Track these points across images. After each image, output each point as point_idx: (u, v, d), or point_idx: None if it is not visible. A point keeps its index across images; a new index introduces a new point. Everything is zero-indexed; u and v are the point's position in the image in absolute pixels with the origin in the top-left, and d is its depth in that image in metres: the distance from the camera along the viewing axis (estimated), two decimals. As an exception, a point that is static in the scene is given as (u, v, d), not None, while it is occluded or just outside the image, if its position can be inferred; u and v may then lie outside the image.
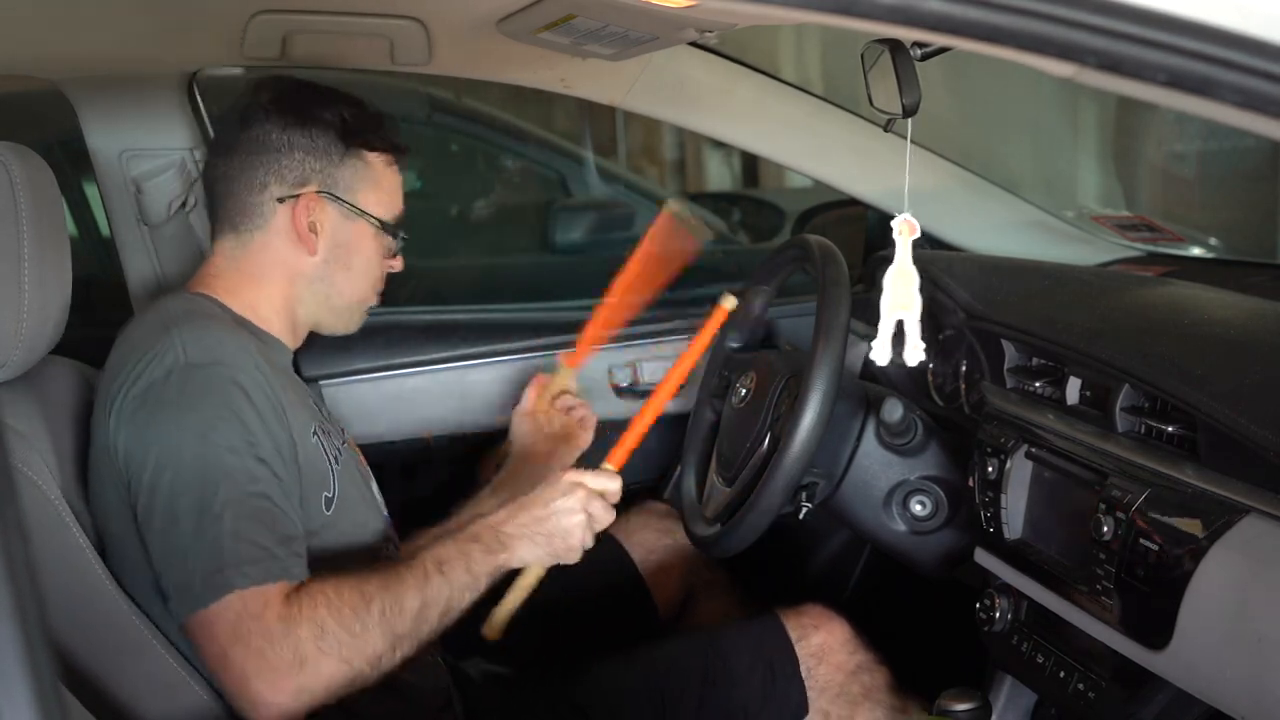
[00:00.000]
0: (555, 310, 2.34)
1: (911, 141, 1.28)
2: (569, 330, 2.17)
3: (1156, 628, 1.24)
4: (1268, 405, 1.23)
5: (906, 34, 1.19)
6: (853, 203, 2.34)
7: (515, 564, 1.48)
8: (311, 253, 1.55)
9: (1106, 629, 1.34)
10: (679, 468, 2.02)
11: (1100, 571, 1.33)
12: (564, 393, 1.96)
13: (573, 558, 1.51)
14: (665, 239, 1.78)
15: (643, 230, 1.89)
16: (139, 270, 1.96)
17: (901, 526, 1.77)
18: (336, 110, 1.56)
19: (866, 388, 1.85)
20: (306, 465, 1.44)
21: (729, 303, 1.77)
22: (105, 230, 2.11)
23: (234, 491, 1.33)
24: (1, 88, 2.63)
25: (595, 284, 1.97)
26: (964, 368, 1.84)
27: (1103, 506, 1.34)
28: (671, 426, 2.18)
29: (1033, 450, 1.54)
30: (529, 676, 1.76)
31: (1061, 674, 1.49)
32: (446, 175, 3.92)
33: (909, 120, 1.30)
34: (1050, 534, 1.49)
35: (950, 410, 1.91)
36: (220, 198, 1.57)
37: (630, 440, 1.62)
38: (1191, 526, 1.22)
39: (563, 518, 1.48)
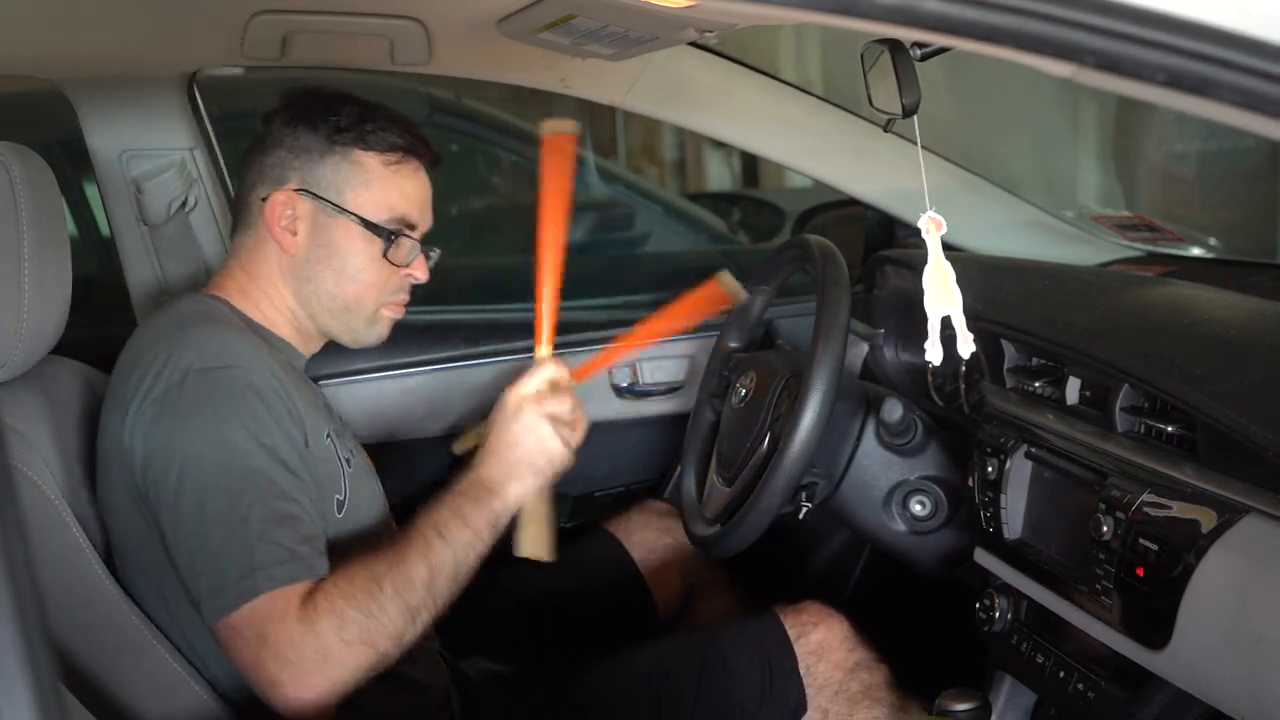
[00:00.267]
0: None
1: (912, 142, 1.28)
2: (569, 330, 2.17)
3: (1156, 628, 1.24)
4: (1268, 405, 1.23)
5: (906, 34, 1.19)
6: (853, 203, 2.34)
7: (513, 504, 1.47)
8: (289, 250, 1.55)
9: (1106, 629, 1.34)
10: (679, 468, 2.02)
11: (1100, 571, 1.33)
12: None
13: (566, 463, 1.50)
14: (705, 304, 1.73)
15: (644, 230, 1.89)
16: (139, 270, 1.96)
17: (901, 526, 1.77)
18: (334, 112, 1.55)
19: (866, 388, 1.85)
20: (319, 468, 1.45)
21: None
22: (105, 230, 2.11)
23: (258, 494, 1.34)
24: (1, 88, 2.63)
25: (595, 284, 1.97)
26: (964, 368, 1.84)
27: (1103, 506, 1.34)
28: (671, 426, 2.19)
29: (1032, 450, 1.54)
30: (528, 675, 1.76)
31: (1061, 674, 1.49)
32: (446, 175, 3.91)
33: (916, 121, 1.30)
34: (1050, 534, 1.49)
35: (950, 410, 1.91)
36: (235, 200, 1.61)
37: (549, 318, 1.57)
38: (1191, 527, 1.22)
39: (529, 441, 1.48)
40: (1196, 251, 2.51)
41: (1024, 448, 1.55)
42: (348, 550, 1.45)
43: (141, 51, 1.81)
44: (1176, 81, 0.86)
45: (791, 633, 1.72)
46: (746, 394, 1.81)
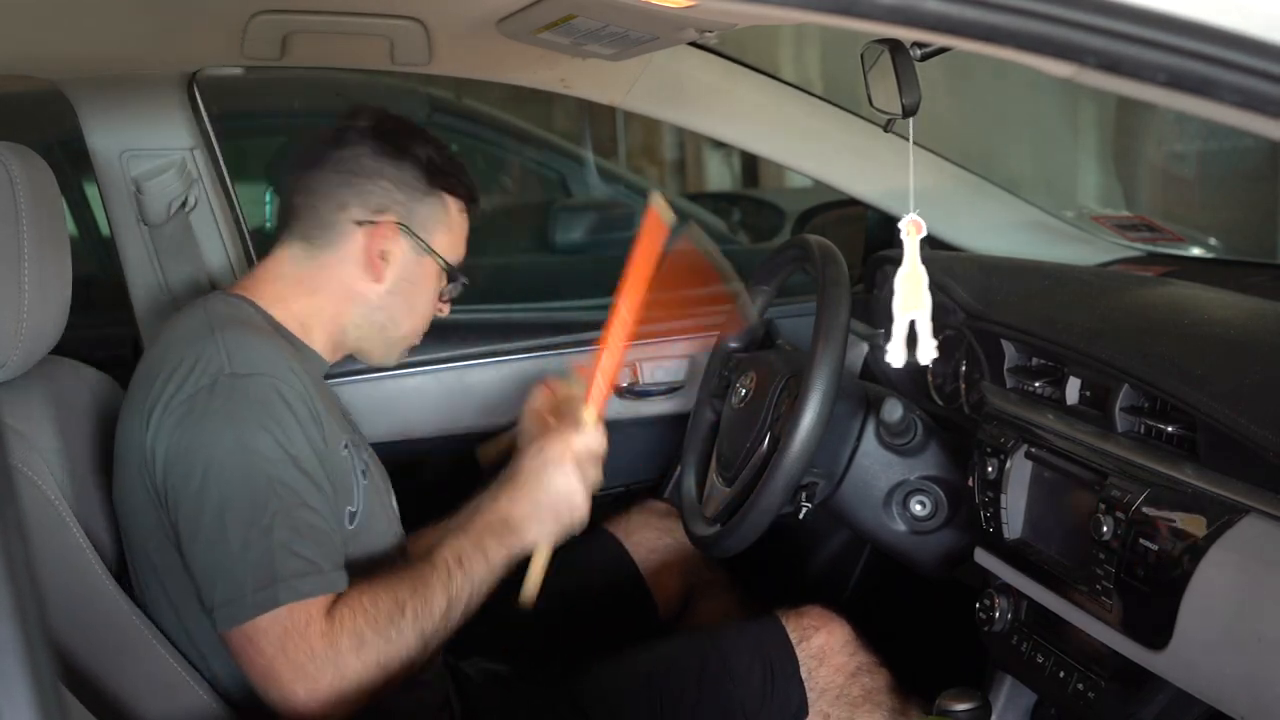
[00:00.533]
0: (555, 310, 2.34)
1: (912, 142, 1.28)
2: (569, 330, 2.17)
3: (1156, 628, 1.24)
4: (1268, 405, 1.23)
5: (906, 34, 1.19)
6: (853, 203, 2.34)
7: (529, 546, 1.50)
8: (378, 280, 1.57)
9: (1106, 629, 1.34)
10: (679, 468, 2.02)
11: (1100, 571, 1.33)
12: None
13: (580, 522, 1.53)
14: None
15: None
16: (139, 270, 1.96)
17: (901, 526, 1.77)
18: (426, 149, 1.59)
19: (866, 388, 1.85)
20: (335, 478, 1.45)
21: (658, 203, 1.64)
22: (105, 230, 2.11)
23: (282, 504, 1.34)
24: (1, 88, 2.63)
25: (595, 284, 1.97)
26: (964, 368, 1.84)
27: (1103, 506, 1.34)
28: (671, 426, 2.19)
29: (1033, 450, 1.54)
30: (528, 675, 1.76)
31: (1061, 674, 1.49)
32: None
33: (910, 121, 1.30)
34: (1050, 534, 1.49)
35: (950, 410, 1.91)
36: (298, 208, 1.58)
37: (605, 380, 1.59)
38: (1191, 526, 1.22)
39: (562, 490, 1.51)
40: (1196, 251, 2.51)
41: (1024, 448, 1.55)
42: (356, 563, 1.45)
43: (141, 51, 1.81)
44: (1177, 82, 0.86)
45: (793, 636, 1.72)
46: (746, 394, 1.81)
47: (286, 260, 1.58)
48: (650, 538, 2.04)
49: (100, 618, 1.40)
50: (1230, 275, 2.08)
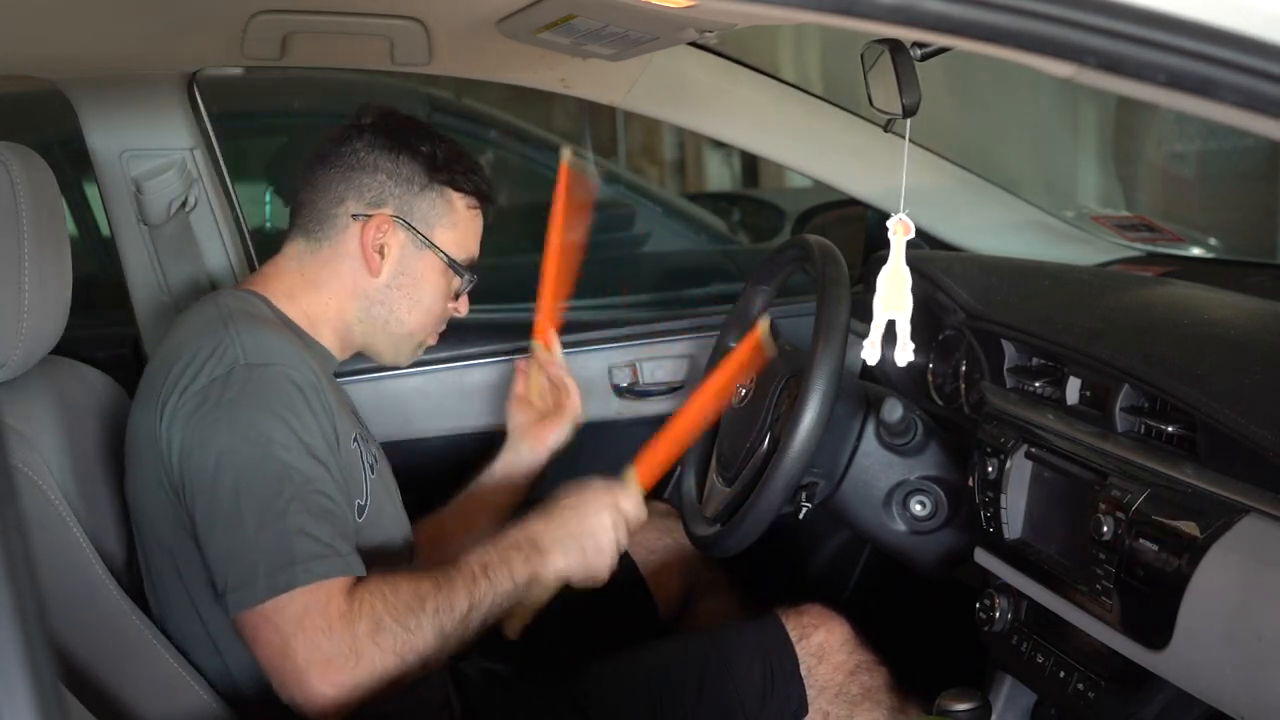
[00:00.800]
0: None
1: (912, 141, 1.28)
2: (568, 330, 2.16)
3: (1156, 628, 1.24)
4: (1268, 405, 1.23)
5: (906, 34, 1.19)
6: (853, 203, 2.34)
7: (550, 573, 1.50)
8: (374, 273, 1.57)
9: (1106, 629, 1.34)
10: (679, 468, 2.02)
11: (1100, 571, 1.33)
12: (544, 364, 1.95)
13: (602, 571, 1.54)
14: (573, 191, 1.87)
15: (644, 230, 1.89)
16: (139, 270, 1.96)
17: (901, 526, 1.77)
18: (431, 145, 1.59)
19: (866, 388, 1.85)
20: (345, 470, 1.45)
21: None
22: (105, 230, 2.11)
23: (296, 490, 1.35)
24: (1, 88, 2.63)
25: (595, 284, 1.97)
26: (964, 368, 1.84)
27: (1103, 506, 1.34)
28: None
29: (1033, 450, 1.54)
30: (528, 675, 1.76)
31: (1061, 674, 1.49)
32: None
33: (907, 121, 1.30)
34: (1050, 534, 1.49)
35: (950, 410, 1.91)
36: (302, 204, 1.60)
37: (660, 457, 1.63)
38: (1191, 526, 1.22)
39: (597, 531, 1.52)
40: (1196, 251, 2.51)
41: (1024, 448, 1.55)
42: (364, 556, 1.45)
43: (141, 51, 1.81)
44: (1177, 82, 0.86)
45: (793, 635, 1.72)
46: (746, 394, 1.81)
47: (292, 256, 1.60)
48: (650, 538, 2.04)
49: (100, 618, 1.40)
50: (1230, 275, 2.09)
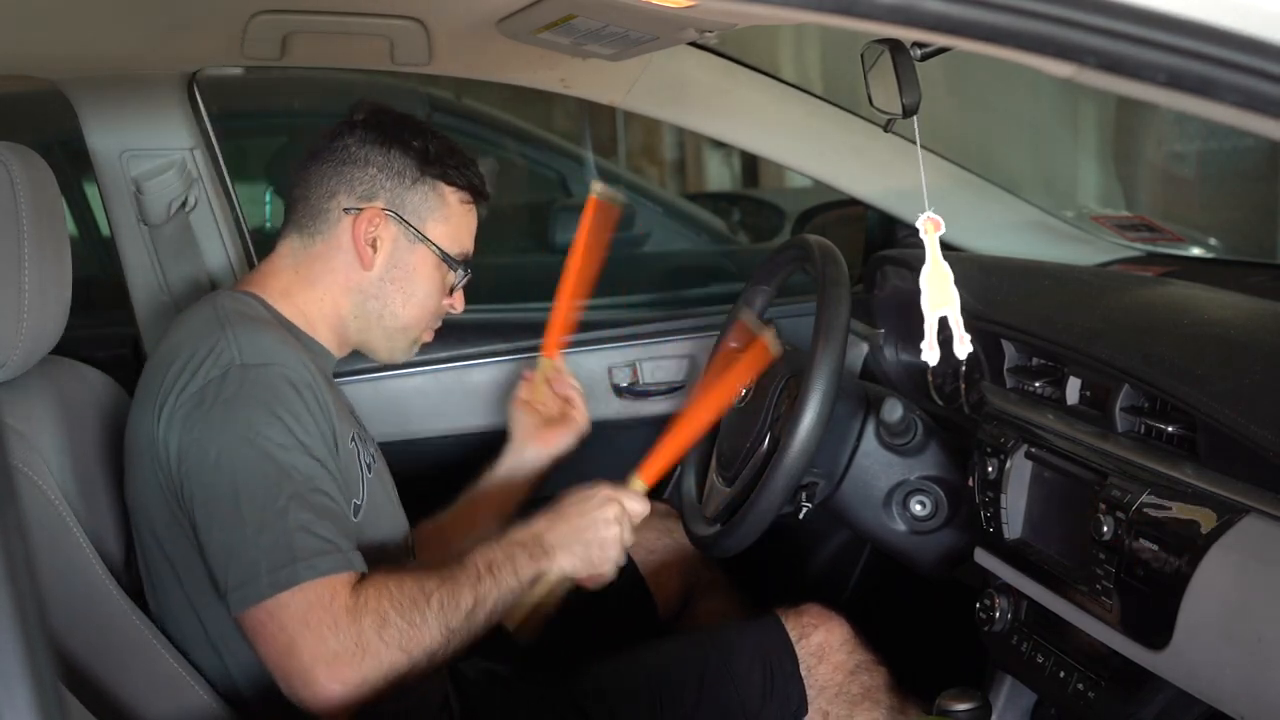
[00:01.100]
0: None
1: (912, 141, 1.28)
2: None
3: (1156, 628, 1.24)
4: (1268, 405, 1.23)
5: (906, 34, 1.19)
6: (853, 203, 2.34)
7: (553, 572, 1.50)
8: (366, 267, 1.57)
9: (1106, 629, 1.34)
10: (679, 468, 2.02)
11: (1100, 571, 1.33)
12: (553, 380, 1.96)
13: (606, 570, 1.54)
14: (599, 222, 1.87)
15: (644, 230, 1.90)
16: (139, 270, 1.96)
17: (901, 526, 1.77)
18: (422, 140, 1.59)
19: (866, 388, 1.85)
20: (342, 470, 1.46)
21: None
22: (105, 230, 2.11)
23: (296, 488, 1.35)
24: (1, 88, 2.63)
25: (595, 284, 1.97)
26: (964, 368, 1.84)
27: (1103, 506, 1.34)
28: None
29: (1033, 450, 1.54)
30: (528, 675, 1.76)
31: (1061, 674, 1.49)
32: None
33: (915, 121, 1.30)
34: (1050, 534, 1.49)
35: (950, 410, 1.91)
36: (295, 200, 1.60)
37: (665, 457, 1.64)
38: (1191, 527, 1.22)
39: (601, 529, 1.52)
40: (1196, 251, 2.51)
41: (1024, 448, 1.55)
42: (364, 555, 1.45)
43: (141, 51, 1.81)
44: (1177, 81, 0.86)
45: (792, 634, 1.72)
46: (746, 394, 1.81)
47: (286, 253, 1.60)
48: (650, 538, 2.04)
49: (101, 618, 1.40)
50: (1230, 275, 2.09)
